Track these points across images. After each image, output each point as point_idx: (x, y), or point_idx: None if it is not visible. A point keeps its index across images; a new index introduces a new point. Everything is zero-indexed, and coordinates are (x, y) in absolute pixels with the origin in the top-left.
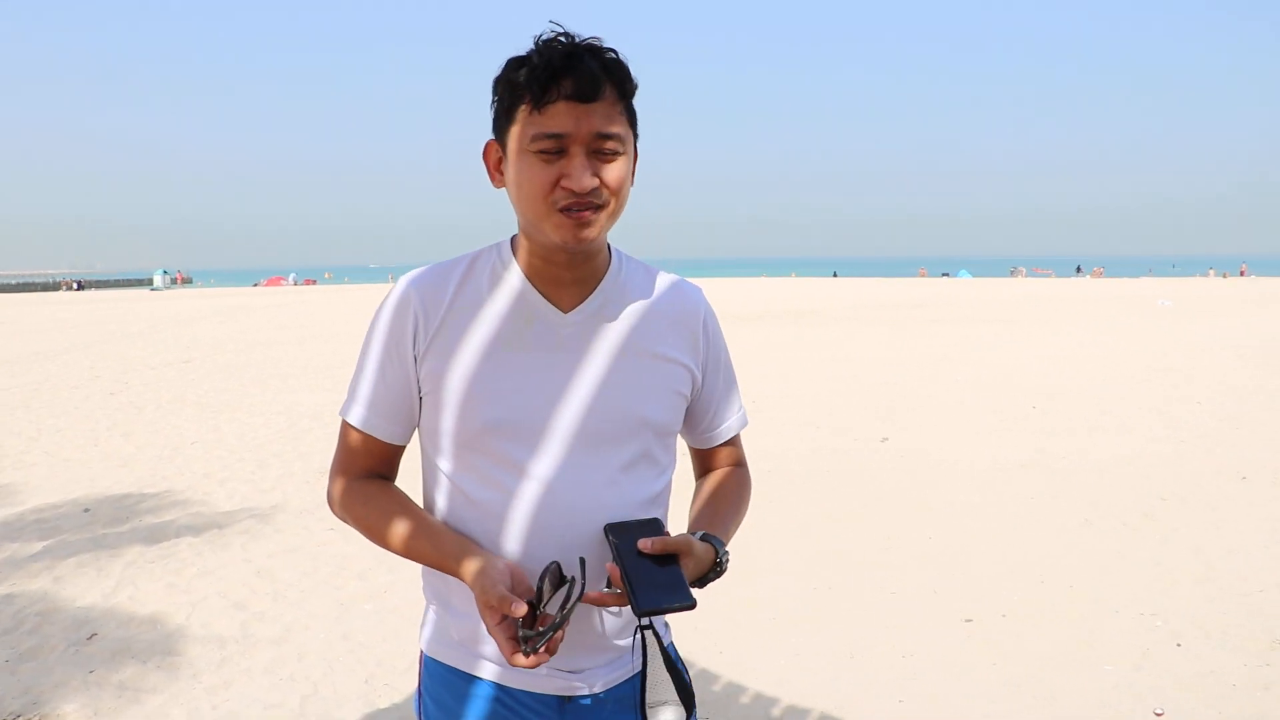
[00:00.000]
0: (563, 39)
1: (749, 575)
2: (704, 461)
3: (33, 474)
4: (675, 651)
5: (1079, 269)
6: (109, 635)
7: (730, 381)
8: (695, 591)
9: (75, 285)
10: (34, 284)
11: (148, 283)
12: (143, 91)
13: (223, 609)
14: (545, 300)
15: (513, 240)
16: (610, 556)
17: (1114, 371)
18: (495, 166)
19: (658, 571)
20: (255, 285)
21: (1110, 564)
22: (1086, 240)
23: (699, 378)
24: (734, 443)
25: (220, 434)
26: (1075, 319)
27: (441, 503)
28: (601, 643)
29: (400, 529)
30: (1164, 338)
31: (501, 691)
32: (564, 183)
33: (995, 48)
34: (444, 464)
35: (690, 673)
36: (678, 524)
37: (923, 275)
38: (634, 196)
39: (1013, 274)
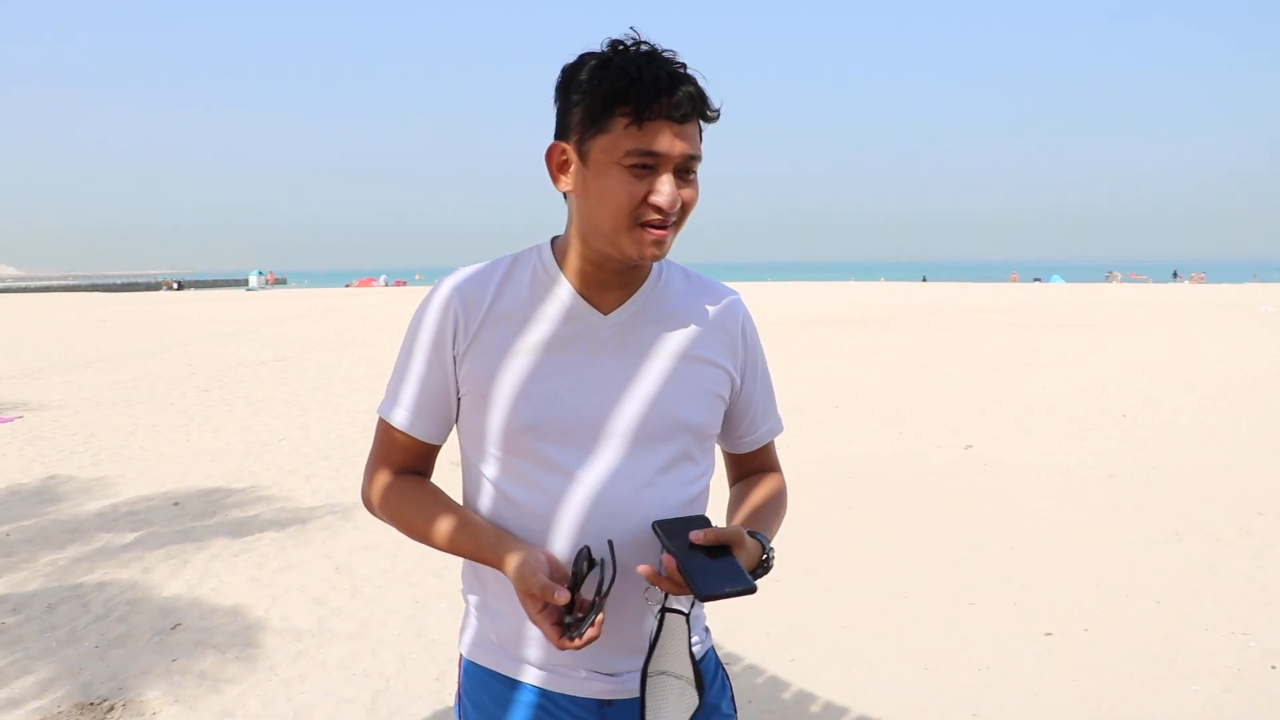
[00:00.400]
0: (644, 48)
1: (823, 581)
2: (739, 467)
3: (128, 467)
4: (715, 657)
5: (1175, 274)
6: (192, 625)
7: (767, 387)
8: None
9: (176, 285)
10: (137, 284)
11: (244, 283)
12: (240, 99)
13: (302, 603)
14: (586, 303)
15: (554, 242)
16: (658, 552)
17: (1210, 379)
18: (560, 168)
19: (713, 561)
20: (347, 286)
21: (1200, 580)
22: (1186, 243)
23: (737, 381)
24: (769, 449)
25: (307, 431)
26: (1171, 325)
27: (482, 503)
28: (640, 645)
29: (438, 522)
30: (1266, 345)
31: (542, 696)
32: (652, 199)
33: (1105, 48)
34: (484, 465)
35: (759, 679)
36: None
37: (1014, 280)
38: (724, 197)
39: (1108, 279)
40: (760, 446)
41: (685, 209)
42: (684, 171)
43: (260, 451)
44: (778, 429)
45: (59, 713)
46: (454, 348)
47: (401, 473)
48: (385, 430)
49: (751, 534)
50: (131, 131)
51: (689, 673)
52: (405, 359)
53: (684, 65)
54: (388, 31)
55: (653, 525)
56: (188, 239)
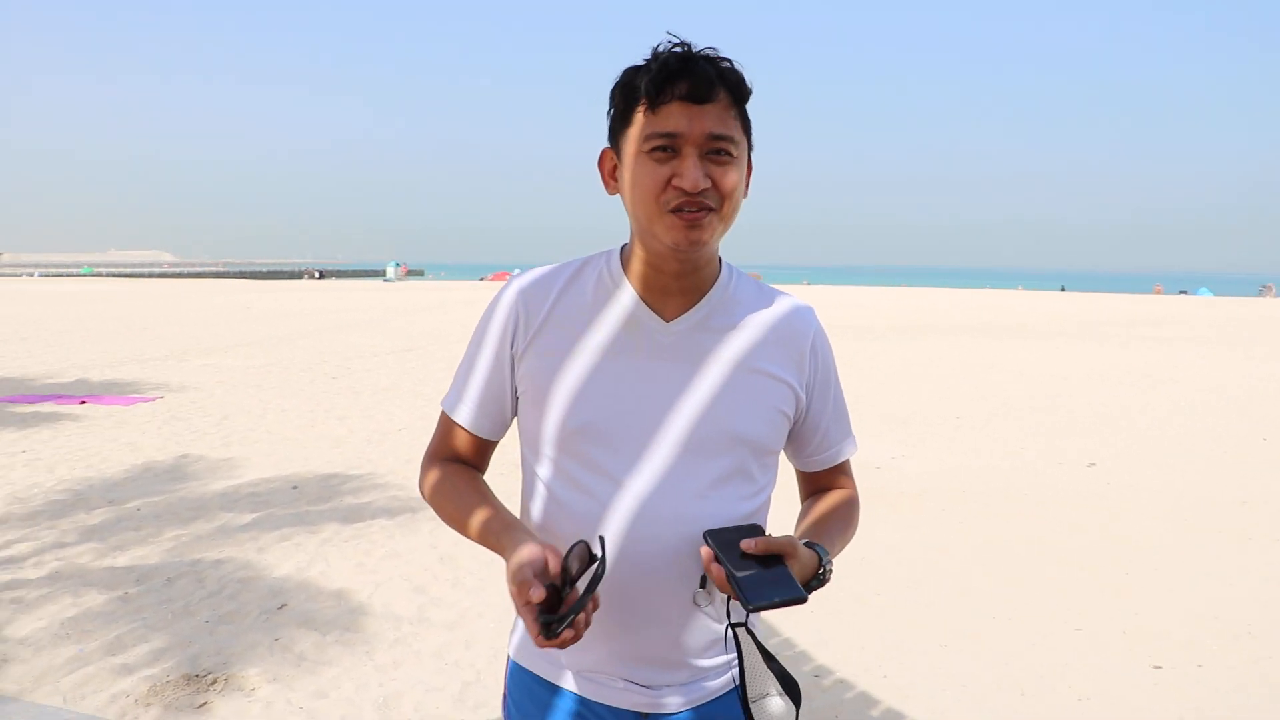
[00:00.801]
0: (679, 47)
1: (926, 597)
2: (810, 485)
3: (255, 450)
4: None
5: None
6: (297, 607)
7: (839, 405)
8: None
9: (317, 274)
10: (282, 272)
11: (381, 274)
12: (382, 98)
13: (404, 591)
14: (648, 308)
15: (623, 248)
16: (697, 563)
17: None
18: (610, 174)
19: (763, 570)
20: (482, 280)
21: None
22: None
23: (803, 399)
24: (843, 469)
25: (428, 422)
26: None
27: (534, 504)
28: (681, 660)
29: (463, 508)
30: None
31: (580, 704)
32: (675, 182)
33: (1245, 38)
34: (537, 465)
35: (848, 694)
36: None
37: (1158, 292)
38: (854, 202)
39: (1262, 293)
40: (831, 466)
41: (722, 192)
42: (714, 153)
43: (380, 440)
44: (850, 449)
45: (167, 682)
46: (513, 347)
47: (451, 460)
48: (445, 422)
49: (810, 544)
50: (283, 125)
51: (778, 688)
52: (470, 355)
53: (712, 54)
54: (537, 30)
55: (704, 534)
56: (332, 229)
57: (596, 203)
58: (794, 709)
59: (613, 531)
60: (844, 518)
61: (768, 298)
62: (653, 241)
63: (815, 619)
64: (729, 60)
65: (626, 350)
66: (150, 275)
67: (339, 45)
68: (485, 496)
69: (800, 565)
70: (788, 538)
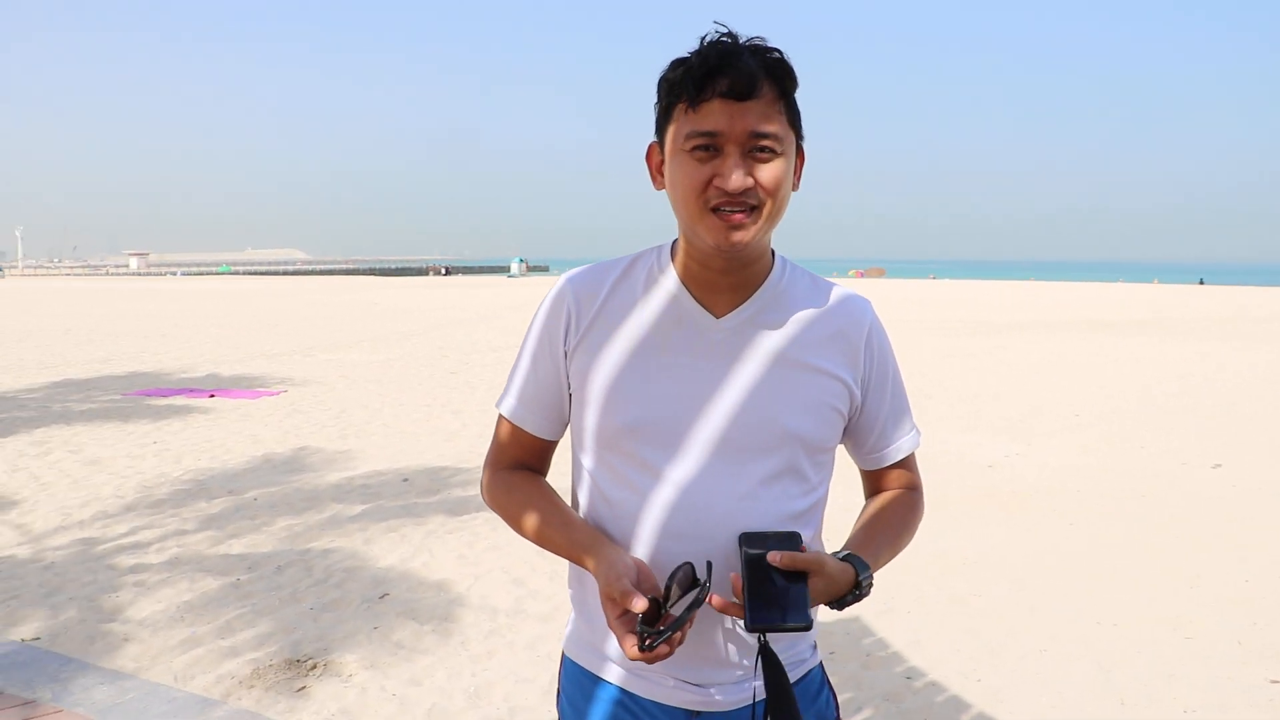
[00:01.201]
0: (726, 39)
1: (1028, 599)
2: (873, 483)
3: (370, 443)
4: (822, 673)
5: None
6: (399, 596)
7: (899, 400)
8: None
9: (444, 270)
10: (409, 269)
11: (506, 269)
12: (511, 101)
13: (502, 583)
14: (698, 305)
15: (674, 243)
16: (739, 565)
17: None
18: (656, 169)
19: (783, 588)
20: None
21: None
22: None
23: (858, 395)
24: (905, 464)
25: None
26: None
27: (582, 500)
28: (731, 657)
29: (537, 517)
30: None
31: (629, 699)
32: (716, 182)
33: None
34: (586, 461)
35: (939, 697)
36: (834, 544)
37: None
38: (981, 194)
39: None
40: (892, 463)
41: (767, 191)
42: (758, 151)
43: (492, 434)
44: (910, 445)
45: (269, 666)
46: (565, 343)
47: (514, 467)
48: (502, 425)
49: (849, 558)
50: (413, 124)
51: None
52: (521, 352)
53: (759, 46)
54: (669, 29)
55: (739, 537)
56: (460, 227)
57: None
58: None
59: (661, 529)
60: (898, 525)
61: (822, 291)
62: (697, 240)
63: (910, 619)
64: (777, 51)
65: (677, 347)
66: (284, 273)
67: (458, 44)
68: (561, 507)
69: (827, 582)
70: (815, 554)
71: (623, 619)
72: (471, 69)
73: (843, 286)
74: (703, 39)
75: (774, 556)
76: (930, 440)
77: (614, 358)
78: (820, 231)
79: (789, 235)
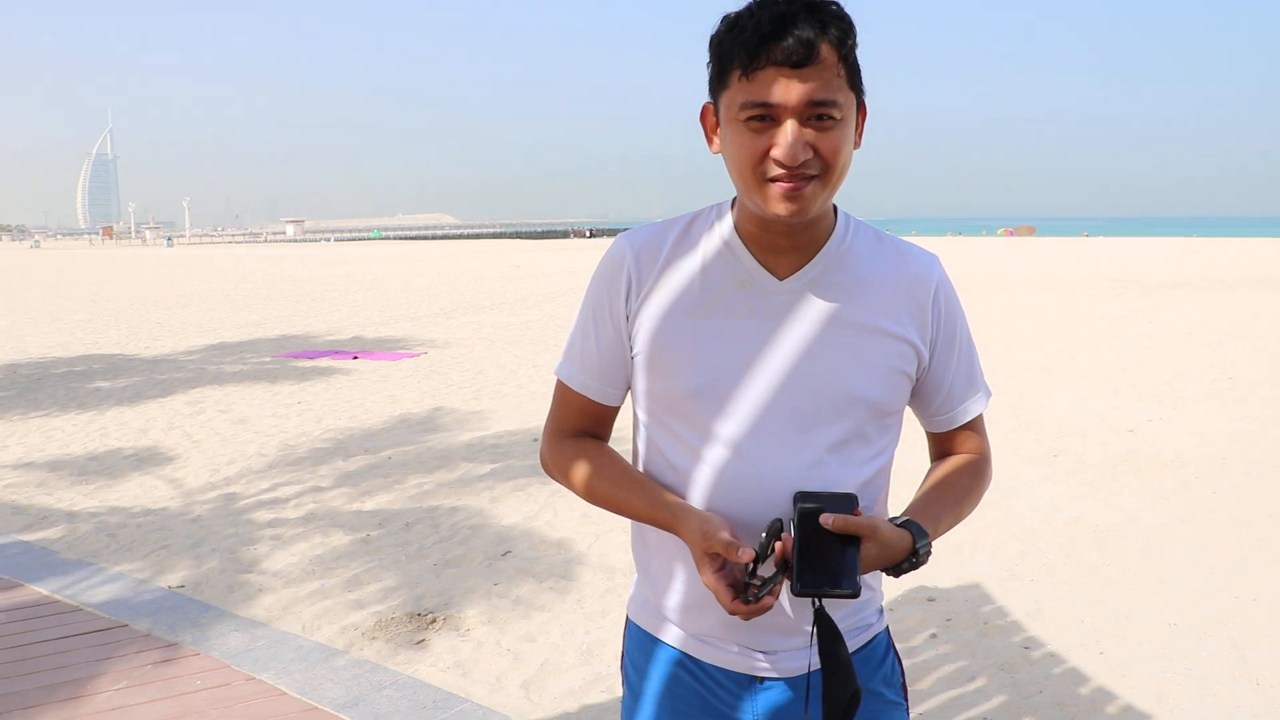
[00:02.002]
0: None
1: (1160, 571)
2: (939, 445)
3: (503, 404)
4: (888, 638)
5: None
6: (520, 554)
7: (968, 360)
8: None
9: (588, 233)
10: (554, 231)
11: None
12: (663, 51)
13: (621, 543)
14: (760, 266)
15: (734, 201)
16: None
17: None
18: (712, 130)
19: (833, 551)
20: None
21: None
22: None
23: (925, 355)
24: (972, 426)
25: None
26: None
27: (644, 464)
28: (791, 625)
29: (611, 482)
30: None
31: (692, 662)
32: (773, 153)
33: None
34: (649, 427)
35: (1058, 668)
36: (898, 508)
37: None
38: (1135, 148)
39: None
40: (959, 426)
41: (825, 159)
42: (816, 119)
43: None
44: (978, 407)
45: (392, 619)
46: (627, 306)
47: (576, 434)
48: (561, 390)
49: (907, 524)
50: (556, 85)
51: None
52: (582, 319)
53: (817, 3)
54: None
55: (794, 495)
56: (605, 187)
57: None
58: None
59: (726, 497)
60: (961, 491)
61: (887, 249)
62: (754, 208)
63: (1033, 587)
64: (834, 4)
65: (739, 311)
66: (432, 237)
67: (608, 13)
68: (632, 470)
69: (881, 548)
70: (869, 519)
71: (721, 574)
72: (627, 32)
73: (909, 243)
74: None
75: (826, 519)
76: (1070, 403)
77: (676, 322)
78: (968, 188)
79: (938, 193)
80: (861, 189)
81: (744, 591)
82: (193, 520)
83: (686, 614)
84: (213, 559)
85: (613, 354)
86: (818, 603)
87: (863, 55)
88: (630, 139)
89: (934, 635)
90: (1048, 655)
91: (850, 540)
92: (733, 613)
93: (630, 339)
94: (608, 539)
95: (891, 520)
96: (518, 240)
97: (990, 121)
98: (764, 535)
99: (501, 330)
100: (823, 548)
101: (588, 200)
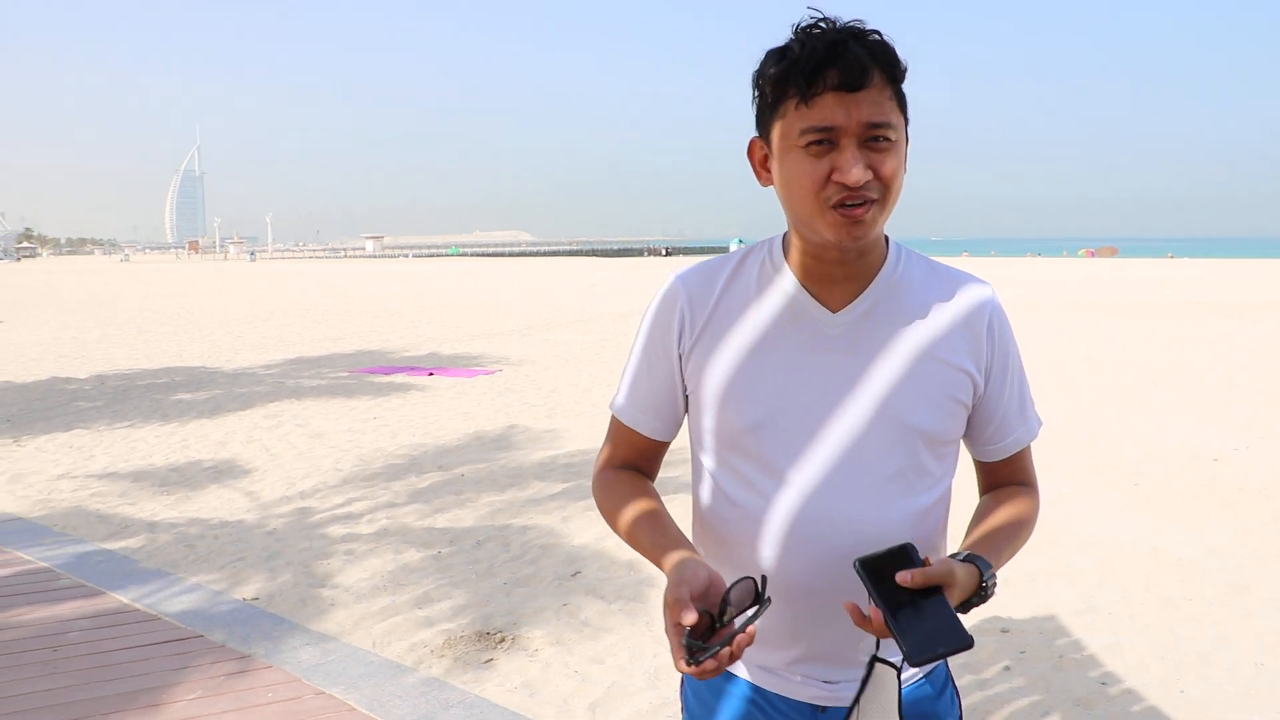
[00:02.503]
0: (823, 24)
1: (1249, 605)
2: (987, 476)
3: (576, 422)
4: (947, 670)
5: None
6: (589, 575)
7: (1020, 390)
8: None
9: (664, 252)
10: (630, 250)
11: (724, 249)
12: (746, 74)
13: None
14: (813, 299)
15: (784, 236)
16: (863, 592)
17: None
18: (761, 164)
19: (923, 608)
20: None
21: None
22: None
23: (980, 384)
24: (1022, 458)
25: None
26: None
27: (704, 501)
28: (857, 654)
29: (629, 516)
30: None
31: (756, 693)
32: (835, 176)
33: None
34: (707, 462)
35: (1136, 706)
36: (955, 535)
37: None
38: (1223, 166)
39: None
40: (1009, 455)
41: (884, 182)
42: (873, 140)
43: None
44: (1029, 436)
45: (460, 637)
46: (680, 345)
47: (622, 468)
48: (614, 426)
49: (971, 558)
50: (634, 104)
51: None
52: (633, 353)
53: (861, 31)
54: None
55: (854, 565)
56: (682, 208)
57: (956, 175)
58: None
59: (785, 530)
60: (1015, 525)
61: (940, 278)
62: (813, 236)
63: (1111, 620)
64: (877, 33)
65: (793, 344)
66: (509, 254)
67: (685, 32)
68: (655, 509)
69: (960, 589)
70: (944, 564)
71: (675, 628)
72: (710, 53)
73: (962, 271)
74: (798, 27)
75: (903, 577)
76: (1152, 430)
77: (731, 357)
78: (1048, 209)
79: (1014, 212)
80: (939, 209)
81: (689, 652)
82: (268, 533)
83: (749, 648)
84: (287, 572)
85: (665, 391)
86: (876, 650)
87: (951, 76)
88: (708, 158)
89: (1007, 668)
90: (1125, 692)
91: (933, 591)
92: (678, 670)
93: (684, 377)
94: None
95: (953, 556)
96: (594, 258)
97: (1071, 139)
98: (726, 593)
99: (576, 348)
100: (912, 608)
101: (664, 219)
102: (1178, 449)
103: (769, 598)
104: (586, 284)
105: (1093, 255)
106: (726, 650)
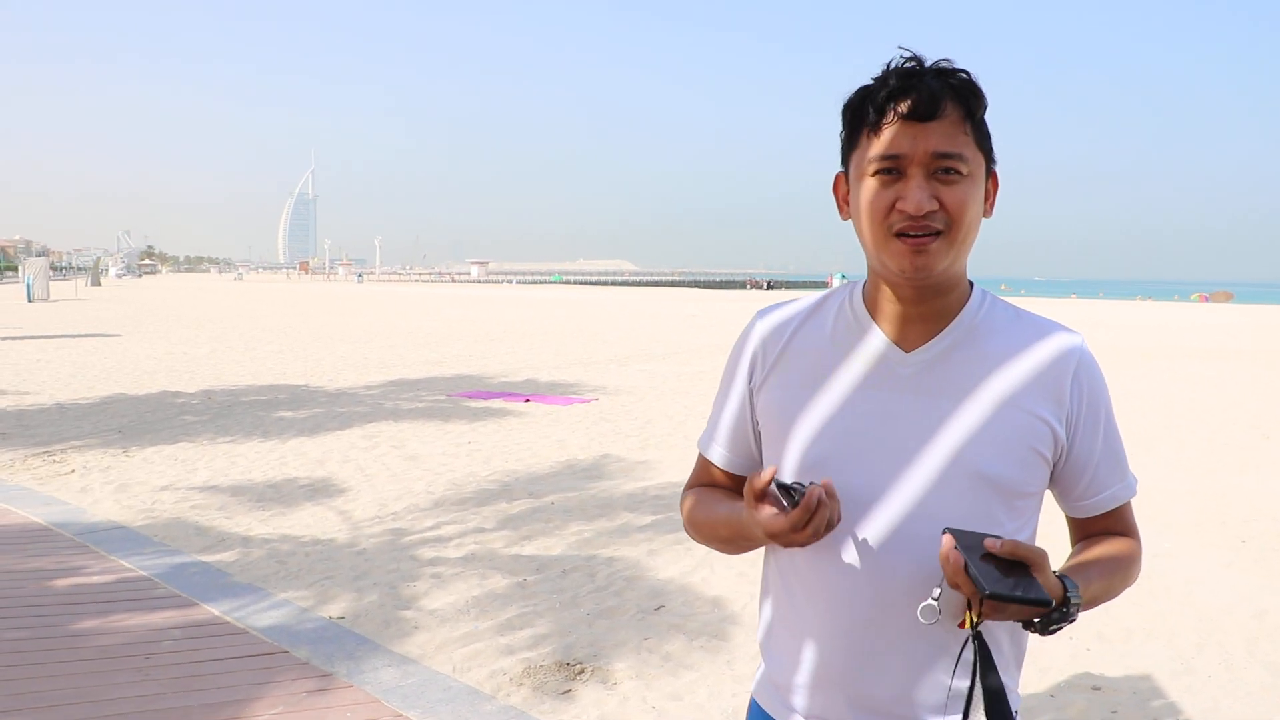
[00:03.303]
0: (910, 63)
1: None
2: (1082, 531)
3: (668, 454)
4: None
5: None
6: (673, 609)
7: (1112, 444)
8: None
9: (765, 285)
10: (733, 282)
11: (824, 285)
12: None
13: None
14: (887, 339)
15: (866, 280)
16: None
17: None
18: (843, 199)
19: (1006, 570)
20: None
21: None
22: None
23: (1063, 436)
24: (1120, 515)
25: None
26: None
27: (772, 547)
28: (909, 712)
29: (714, 513)
30: None
31: None
32: (900, 205)
33: None
34: None
35: None
36: None
37: None
38: None
39: None
40: (1104, 512)
41: (951, 214)
42: (943, 172)
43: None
44: (1126, 494)
45: (540, 666)
46: (751, 381)
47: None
48: (700, 460)
49: (1060, 576)
50: (739, 136)
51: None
52: (719, 391)
53: (943, 69)
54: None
55: (946, 530)
56: (785, 240)
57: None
58: None
59: (841, 576)
60: (1113, 564)
61: (1025, 325)
62: (882, 269)
63: (1211, 684)
64: (964, 72)
65: (864, 383)
66: (611, 283)
67: (792, 71)
68: (726, 501)
69: (1046, 581)
70: (1037, 548)
71: (759, 505)
72: (814, 88)
73: (1050, 320)
74: (888, 64)
75: (991, 543)
76: (1262, 485)
77: (799, 394)
78: (1161, 251)
79: (1130, 255)
80: (1050, 251)
81: (781, 494)
82: (358, 553)
83: (807, 694)
84: (373, 593)
85: (739, 425)
86: (974, 627)
87: (1059, 114)
88: (812, 193)
89: None
90: None
91: (1020, 566)
92: (784, 542)
93: (754, 411)
94: None
95: None
96: (695, 289)
97: (1188, 182)
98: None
99: (673, 380)
100: (994, 567)
101: (767, 252)
102: None
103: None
104: (686, 315)
105: (1207, 300)
106: (823, 506)
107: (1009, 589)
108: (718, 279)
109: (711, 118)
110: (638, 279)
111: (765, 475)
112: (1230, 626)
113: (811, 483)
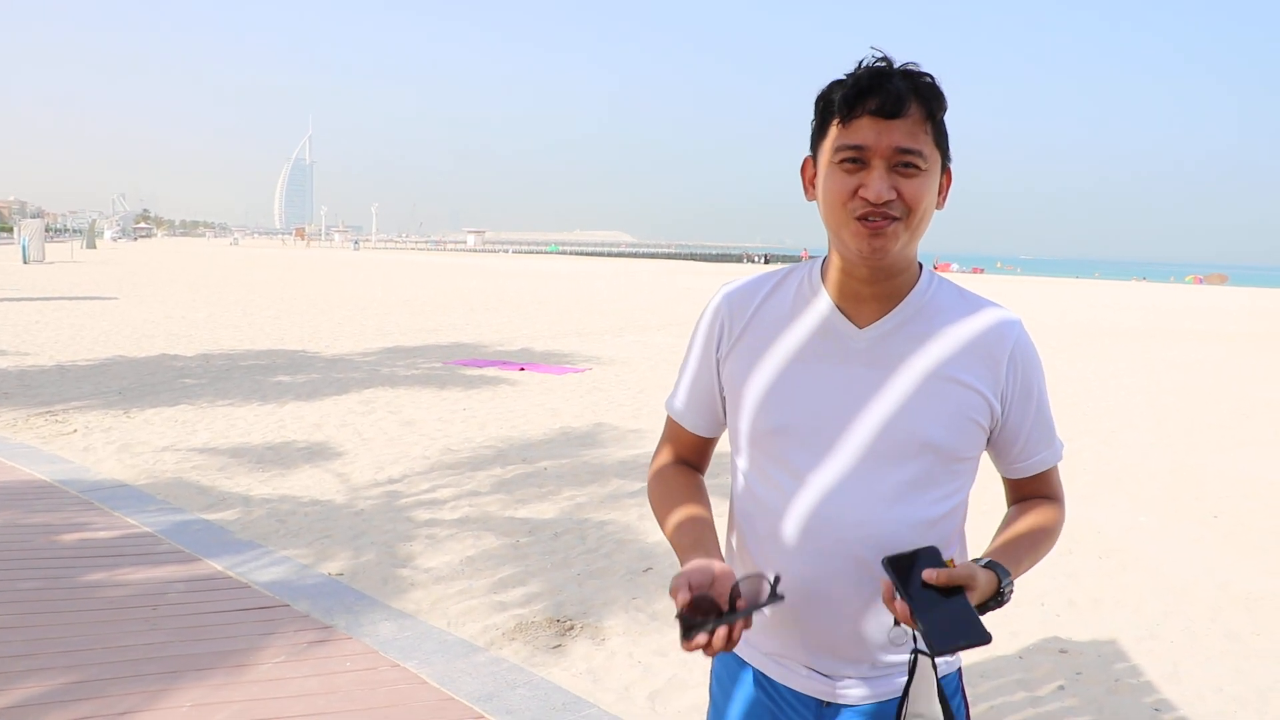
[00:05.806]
0: (880, 63)
1: None
2: (1015, 491)
3: (660, 424)
4: (959, 679)
5: None
6: (661, 571)
7: (1042, 416)
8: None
9: (762, 259)
10: (729, 255)
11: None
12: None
13: None
14: (842, 315)
15: (826, 257)
16: (882, 579)
17: None
18: (809, 181)
19: (945, 605)
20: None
21: None
22: None
23: (998, 409)
24: (1047, 477)
25: None
26: None
27: (736, 496)
28: (861, 653)
29: (674, 520)
30: None
31: (768, 683)
32: (861, 192)
33: None
34: (740, 461)
35: None
36: (974, 547)
37: None
38: None
39: None
40: (1034, 474)
41: (908, 204)
42: (903, 166)
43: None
44: (1054, 459)
45: (532, 622)
46: (718, 351)
47: (674, 462)
48: (668, 421)
49: (991, 565)
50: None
51: (939, 715)
52: (685, 358)
53: (910, 71)
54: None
55: (883, 562)
56: (782, 215)
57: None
58: None
59: (801, 527)
60: (1037, 532)
61: (969, 306)
62: (842, 248)
63: (1172, 649)
64: (929, 75)
65: (820, 356)
66: (608, 254)
67: (780, 45)
68: (698, 516)
69: (979, 593)
70: (967, 566)
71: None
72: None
73: (991, 302)
74: (859, 63)
75: (929, 575)
76: (1239, 463)
77: (761, 364)
78: (1159, 232)
79: (1127, 234)
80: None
81: (685, 630)
82: (355, 513)
83: (761, 632)
84: (371, 551)
85: (707, 392)
86: (915, 644)
87: (1059, 95)
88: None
89: (1061, 687)
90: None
91: (955, 590)
92: (684, 648)
93: (721, 380)
94: None
95: (974, 561)
96: (691, 262)
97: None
98: (737, 585)
99: (667, 351)
100: (935, 603)
101: (764, 227)
102: (1265, 485)
103: (781, 595)
104: (681, 287)
105: (1200, 282)
106: (723, 630)
107: (955, 641)
108: (714, 252)
109: (706, 91)
110: (634, 250)
111: (681, 599)
112: (1196, 596)
113: (722, 620)
